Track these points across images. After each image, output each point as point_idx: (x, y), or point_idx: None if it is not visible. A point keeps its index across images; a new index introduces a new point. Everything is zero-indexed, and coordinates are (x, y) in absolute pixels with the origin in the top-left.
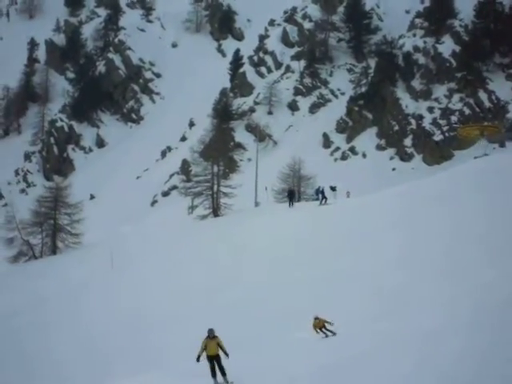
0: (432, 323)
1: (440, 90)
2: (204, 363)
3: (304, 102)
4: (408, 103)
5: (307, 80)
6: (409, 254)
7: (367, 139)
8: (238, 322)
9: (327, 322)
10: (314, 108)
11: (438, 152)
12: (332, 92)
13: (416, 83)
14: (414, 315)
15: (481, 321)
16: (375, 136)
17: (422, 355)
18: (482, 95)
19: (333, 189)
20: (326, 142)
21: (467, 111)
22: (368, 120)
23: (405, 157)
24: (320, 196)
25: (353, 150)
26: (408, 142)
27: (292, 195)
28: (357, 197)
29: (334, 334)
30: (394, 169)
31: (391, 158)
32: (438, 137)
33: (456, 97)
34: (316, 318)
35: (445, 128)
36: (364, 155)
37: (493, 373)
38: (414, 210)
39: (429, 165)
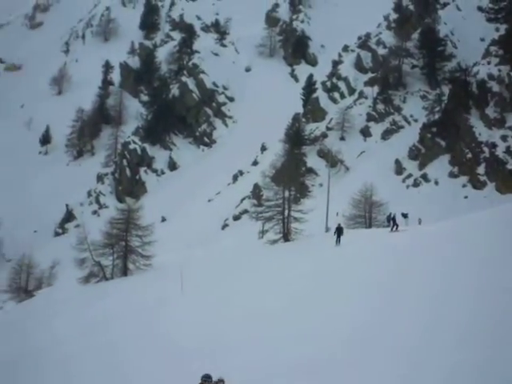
0: None
1: None
2: None
3: (376, 128)
4: (481, 131)
5: (380, 106)
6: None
7: (439, 166)
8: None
9: None
10: (386, 134)
11: (511, 180)
12: (405, 118)
13: (490, 111)
14: None
15: None
16: (448, 163)
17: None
18: None
19: (404, 216)
20: (398, 168)
21: None
22: (441, 147)
23: (477, 185)
24: (391, 223)
25: (425, 177)
26: (481, 170)
27: (340, 232)
28: (428, 224)
29: None
30: (466, 197)
31: (463, 186)
32: (511, 165)
33: None
34: None
35: None
36: (436, 182)
37: None
38: (490, 237)
39: (502, 193)
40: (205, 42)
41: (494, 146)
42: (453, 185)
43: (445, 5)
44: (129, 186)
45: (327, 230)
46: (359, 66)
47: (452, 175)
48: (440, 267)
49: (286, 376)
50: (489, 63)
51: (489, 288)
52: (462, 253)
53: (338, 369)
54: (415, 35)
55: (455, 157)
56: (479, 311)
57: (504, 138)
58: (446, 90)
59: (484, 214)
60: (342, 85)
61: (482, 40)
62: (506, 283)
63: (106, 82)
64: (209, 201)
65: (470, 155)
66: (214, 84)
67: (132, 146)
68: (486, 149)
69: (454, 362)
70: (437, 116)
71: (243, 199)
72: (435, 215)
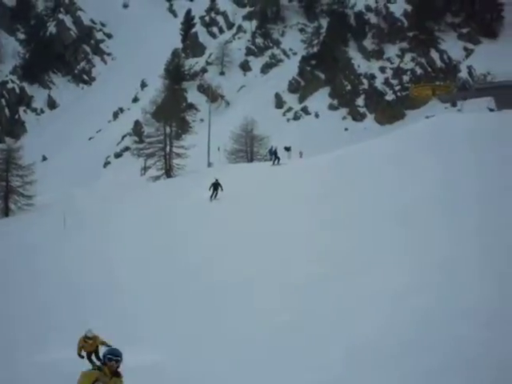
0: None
1: (392, 50)
2: None
3: (256, 63)
4: (360, 63)
5: (259, 40)
6: (359, 213)
7: (320, 99)
8: (195, 286)
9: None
10: (266, 68)
11: (389, 112)
12: (284, 52)
13: (368, 43)
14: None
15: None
16: (328, 96)
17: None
18: (434, 55)
19: (287, 149)
20: (279, 102)
21: (419, 71)
22: (320, 80)
23: (357, 117)
24: (273, 156)
25: (305, 110)
26: (360, 101)
27: (216, 187)
28: (309, 157)
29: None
30: (346, 129)
31: (344, 118)
32: (389, 96)
33: (408, 56)
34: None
35: (397, 88)
36: (317, 115)
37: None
38: (365, 170)
39: (381, 124)
40: None
41: (372, 77)
42: (333, 117)
43: None
44: (8, 126)
45: (209, 165)
46: (237, 0)
47: (332, 108)
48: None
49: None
50: None
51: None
52: (338, 179)
53: None
54: None
55: (335, 89)
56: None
57: (382, 69)
58: (324, 22)
59: (361, 145)
60: (220, 19)
61: None
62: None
63: None
64: (90, 139)
65: (349, 87)
66: (92, 21)
67: (10, 86)
68: (364, 80)
69: None
70: (315, 49)
71: (124, 136)
72: (316, 148)
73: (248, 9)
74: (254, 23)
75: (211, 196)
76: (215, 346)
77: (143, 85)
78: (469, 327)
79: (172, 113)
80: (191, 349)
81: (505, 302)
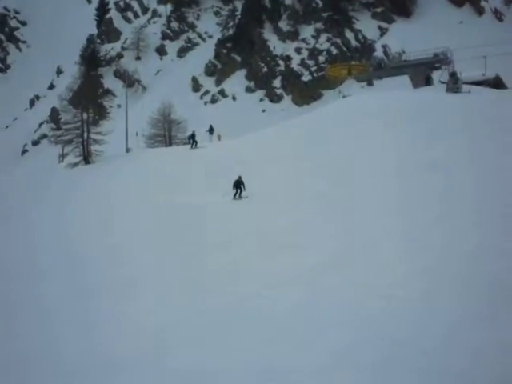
0: None
1: (307, 31)
2: None
3: (172, 47)
4: (276, 44)
5: (174, 24)
6: (280, 189)
7: (236, 82)
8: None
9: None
10: (182, 52)
11: (306, 92)
12: (200, 35)
13: (283, 24)
14: None
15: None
16: (244, 78)
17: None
18: (349, 35)
19: (210, 131)
20: (196, 85)
21: (335, 51)
22: (237, 62)
23: (274, 98)
24: (191, 140)
25: (222, 92)
26: (277, 83)
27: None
28: (228, 140)
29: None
30: (263, 110)
31: (261, 100)
32: (306, 77)
33: (323, 37)
34: None
35: (313, 68)
36: (234, 98)
37: None
38: (284, 151)
39: (298, 105)
40: None
41: (288, 58)
42: (250, 99)
43: None
44: None
45: (127, 150)
46: None
47: (249, 90)
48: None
49: None
50: None
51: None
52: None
53: None
54: None
55: (251, 71)
56: None
57: (298, 50)
58: (238, 4)
59: (278, 126)
60: (135, 4)
61: None
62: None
63: None
64: (6, 127)
65: (265, 69)
66: (5, 8)
67: None
68: (281, 62)
69: None
70: (231, 31)
71: (41, 124)
72: (235, 130)
73: None
74: (169, 7)
75: (235, 195)
76: None
77: (59, 71)
78: None
79: (89, 99)
80: None
81: None
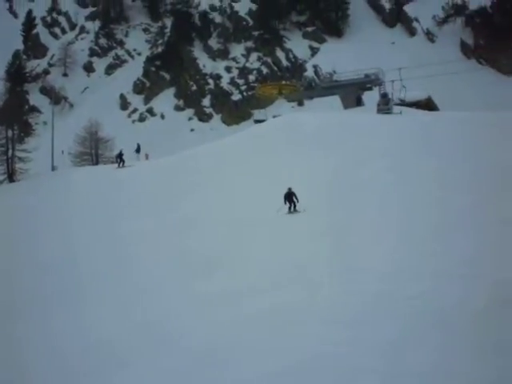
0: None
1: (237, 49)
2: None
3: (100, 63)
4: (205, 63)
5: (102, 41)
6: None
7: (165, 100)
8: None
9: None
10: (110, 69)
11: (236, 112)
12: (128, 53)
13: (213, 42)
14: None
15: None
16: (173, 96)
17: None
18: (280, 54)
19: (137, 150)
20: (124, 103)
21: (265, 70)
22: (165, 80)
23: (203, 117)
24: (118, 159)
25: (151, 111)
26: (206, 102)
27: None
28: (156, 159)
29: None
30: (192, 129)
31: (190, 119)
32: (236, 96)
33: (253, 56)
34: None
35: (243, 87)
36: (162, 116)
37: None
38: (211, 170)
39: (228, 125)
40: None
41: (218, 77)
42: (179, 118)
43: None
44: None
45: (53, 168)
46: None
47: (178, 108)
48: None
49: None
50: None
51: None
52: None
53: None
54: None
55: (180, 90)
56: None
57: (228, 69)
58: (168, 22)
59: (206, 146)
60: (62, 20)
61: None
62: None
63: None
64: None
65: (194, 87)
66: None
67: None
68: (210, 80)
69: None
70: (160, 49)
71: None
72: (162, 149)
73: (91, 9)
74: (97, 23)
75: (289, 208)
76: None
77: None
78: None
79: (14, 116)
80: None
81: None
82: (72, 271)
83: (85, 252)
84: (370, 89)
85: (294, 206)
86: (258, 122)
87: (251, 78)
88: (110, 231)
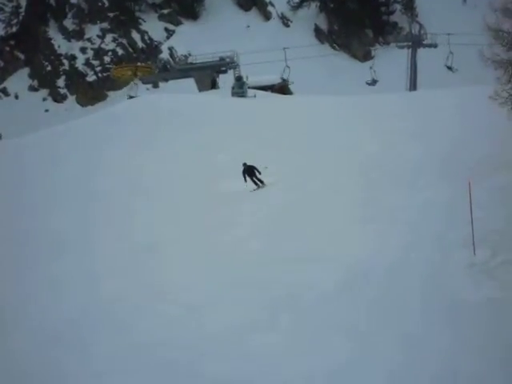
0: None
1: (93, 30)
2: None
3: None
4: (61, 43)
5: None
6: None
7: (19, 80)
8: None
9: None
10: None
11: (91, 93)
12: None
13: (68, 23)
14: None
15: None
16: (27, 76)
17: None
18: (135, 35)
19: None
20: None
21: (120, 51)
22: (20, 60)
23: (58, 98)
24: None
25: (4, 91)
26: (61, 82)
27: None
28: (9, 139)
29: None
30: (47, 110)
31: (44, 100)
32: (91, 77)
33: (109, 37)
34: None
35: (98, 68)
36: (16, 96)
37: None
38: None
39: (82, 106)
40: None
41: (73, 58)
42: (33, 98)
43: None
44: None
45: None
46: None
47: (32, 89)
48: None
49: None
50: None
51: None
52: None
53: None
54: None
55: (35, 70)
56: None
57: (83, 49)
58: (22, 1)
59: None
60: None
61: None
62: None
63: None
64: None
65: (49, 68)
66: None
67: None
68: (65, 61)
69: None
70: (14, 29)
71: None
72: (17, 130)
73: None
74: None
75: (255, 183)
76: None
77: None
78: None
79: None
80: None
81: None
82: None
83: None
84: (225, 72)
85: (260, 180)
86: (131, 97)
87: (106, 59)
88: None
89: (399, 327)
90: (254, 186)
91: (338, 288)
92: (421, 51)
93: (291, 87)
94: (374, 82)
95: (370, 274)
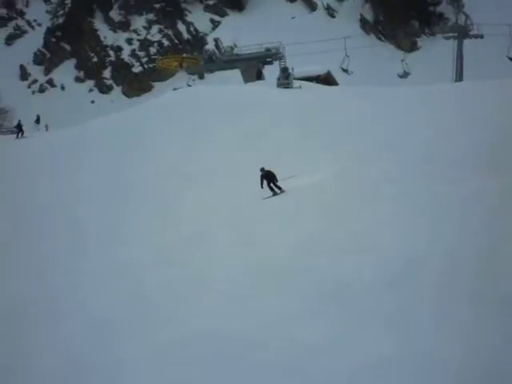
0: None
1: (139, 22)
2: None
3: (0, 33)
4: (106, 34)
5: (2, 11)
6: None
7: (65, 71)
8: None
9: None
10: (10, 39)
11: (137, 84)
12: (28, 23)
13: (114, 14)
14: None
15: None
16: (73, 68)
17: None
18: (181, 27)
19: (37, 121)
20: (24, 74)
21: (166, 43)
22: (66, 52)
23: (104, 89)
24: (17, 130)
25: (51, 82)
26: (107, 73)
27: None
28: (56, 130)
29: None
30: (93, 101)
31: (90, 91)
32: (137, 68)
33: (155, 28)
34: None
35: (144, 60)
36: (63, 87)
37: None
38: (109, 142)
39: (128, 97)
40: None
41: (119, 49)
42: (79, 89)
43: None
44: None
45: None
46: None
47: (78, 80)
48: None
49: None
50: None
51: None
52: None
53: None
54: None
55: (80, 61)
56: None
57: (129, 41)
58: None
59: (107, 118)
60: None
61: None
62: None
63: None
64: None
65: (95, 59)
66: None
67: None
68: (111, 52)
69: None
70: (61, 20)
71: None
72: (62, 121)
73: None
74: None
75: (272, 190)
76: None
77: None
78: None
79: None
80: None
81: None
82: None
83: None
84: (270, 63)
85: (278, 187)
86: (189, 86)
87: (152, 50)
88: None
89: (454, 321)
90: (271, 193)
91: (389, 279)
92: (467, 42)
93: (343, 77)
94: (405, 75)
95: (425, 265)
